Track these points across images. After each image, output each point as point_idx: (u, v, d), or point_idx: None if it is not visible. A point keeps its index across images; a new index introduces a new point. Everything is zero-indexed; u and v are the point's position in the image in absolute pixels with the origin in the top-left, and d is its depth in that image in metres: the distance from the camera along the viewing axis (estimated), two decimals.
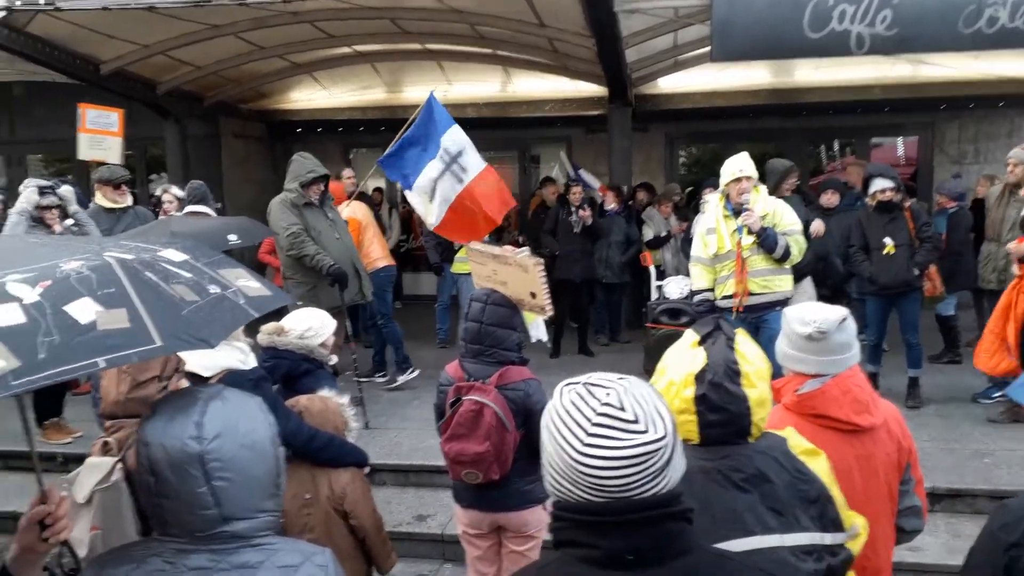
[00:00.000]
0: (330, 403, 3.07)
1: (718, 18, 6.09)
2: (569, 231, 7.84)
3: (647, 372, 6.99)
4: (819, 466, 1.78)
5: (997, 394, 6.24)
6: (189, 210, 5.78)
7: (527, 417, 3.02)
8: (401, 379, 7.09)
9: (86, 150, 7.77)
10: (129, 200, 6.10)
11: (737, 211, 5.20)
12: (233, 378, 2.66)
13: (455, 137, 6.01)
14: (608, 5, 6.49)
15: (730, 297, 5.30)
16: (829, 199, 7.10)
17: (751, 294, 5.23)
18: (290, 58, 9.78)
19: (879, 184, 6.10)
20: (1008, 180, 6.05)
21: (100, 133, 7.75)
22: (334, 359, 3.51)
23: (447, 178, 5.86)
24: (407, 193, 6.14)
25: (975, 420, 5.80)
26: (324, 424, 2.99)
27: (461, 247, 7.05)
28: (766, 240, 5.13)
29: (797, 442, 1.83)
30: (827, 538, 1.67)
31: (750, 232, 5.16)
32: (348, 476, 3.00)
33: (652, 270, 7.88)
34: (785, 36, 6.03)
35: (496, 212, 5.87)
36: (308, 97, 11.49)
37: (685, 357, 1.72)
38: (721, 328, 1.74)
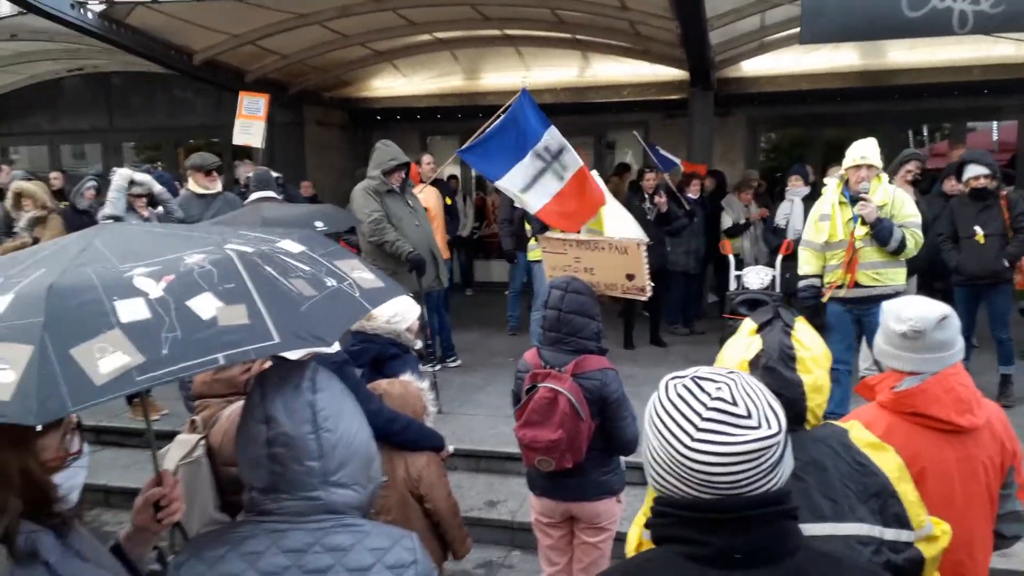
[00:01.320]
0: (410, 387, 3.10)
1: None
2: (643, 219, 7.69)
3: None
4: (886, 461, 1.71)
5: None
6: (256, 196, 5.92)
7: (603, 407, 2.99)
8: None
9: (238, 135, 8.12)
10: (219, 186, 6.30)
11: (854, 199, 4.96)
12: (317, 361, 2.73)
13: (555, 137, 6.03)
14: None
15: (840, 287, 5.11)
16: (953, 186, 6.69)
17: (859, 285, 5.03)
18: (372, 46, 9.93)
19: (973, 171, 5.79)
20: None
21: (250, 119, 8.07)
22: (419, 344, 3.55)
23: (549, 176, 5.88)
24: (497, 183, 6.16)
25: None
26: (403, 407, 3.02)
27: (533, 236, 7.04)
28: (880, 232, 4.88)
29: (860, 434, 1.77)
30: (888, 533, 1.61)
31: (864, 223, 4.94)
32: (424, 460, 3.02)
33: (731, 259, 7.67)
34: (881, 15, 5.72)
35: (590, 209, 5.88)
36: (388, 85, 11.67)
37: (741, 345, 1.71)
38: (780, 315, 1.72)
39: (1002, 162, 7.61)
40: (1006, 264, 5.64)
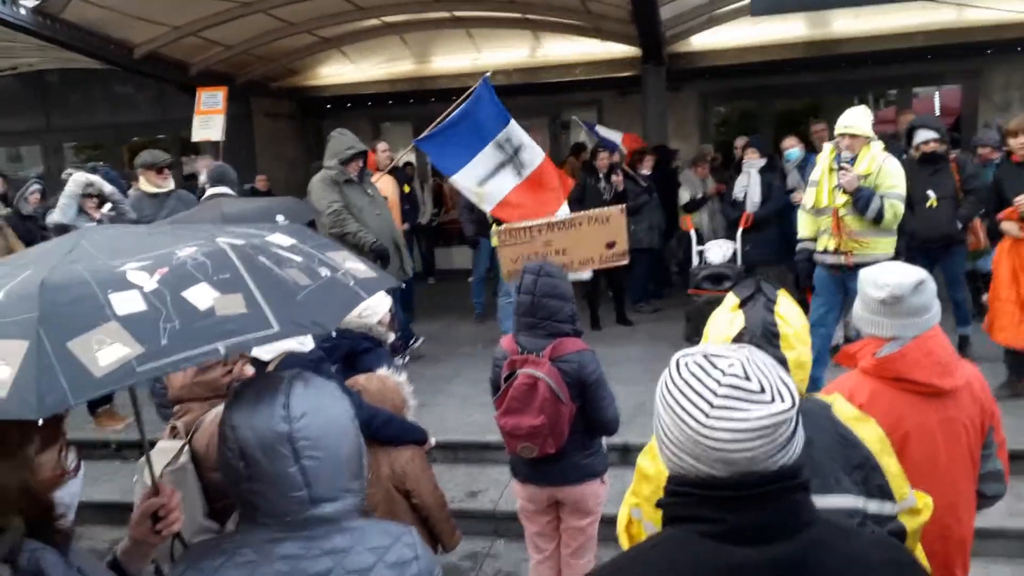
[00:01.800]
0: (388, 382, 3.06)
1: None
2: (599, 199, 7.67)
3: (688, 340, 6.91)
4: (868, 432, 1.72)
5: None
6: (211, 192, 5.78)
7: (582, 389, 2.99)
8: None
9: (198, 131, 7.91)
10: (171, 184, 6.10)
11: (841, 167, 5.07)
12: (292, 360, 2.67)
13: (515, 132, 6.04)
14: None
15: (827, 252, 5.22)
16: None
17: (842, 252, 5.13)
18: (318, 33, 9.74)
19: (923, 135, 5.87)
20: None
21: (209, 113, 7.87)
22: (392, 337, 3.50)
23: (508, 170, 5.91)
24: (451, 178, 6.12)
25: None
26: (383, 403, 2.98)
27: (495, 221, 7.01)
28: (858, 201, 4.96)
29: (843, 407, 1.78)
30: (871, 505, 1.63)
31: (844, 191, 5.02)
32: (408, 454, 2.99)
33: (692, 234, 7.73)
34: None
35: (552, 204, 5.86)
36: (336, 72, 11.46)
37: (723, 322, 1.70)
38: (762, 290, 1.71)
39: (946, 126, 7.77)
40: (959, 226, 5.73)
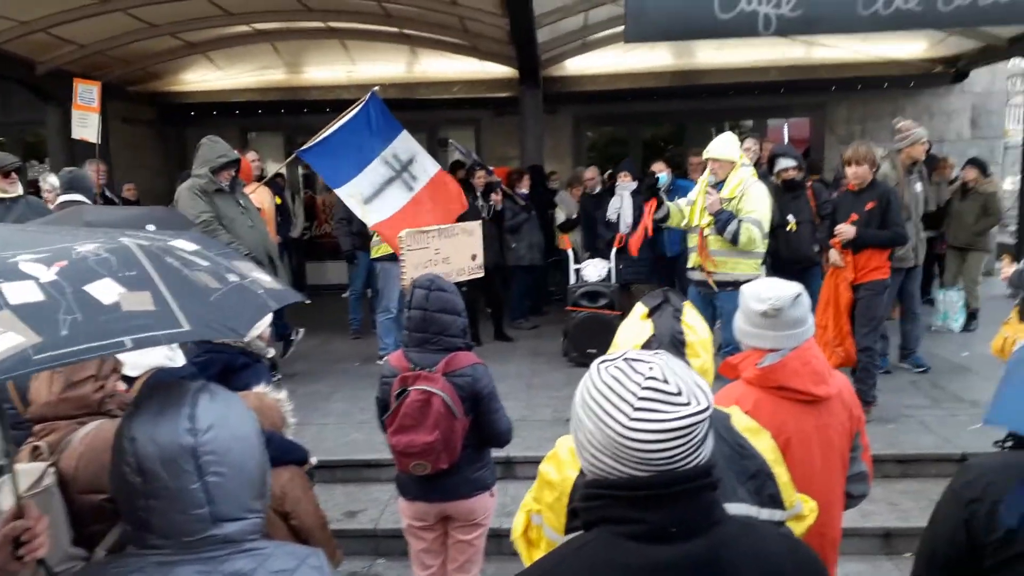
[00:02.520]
0: (266, 399, 2.91)
1: None
2: (477, 217, 7.71)
3: (566, 355, 7.05)
4: (762, 444, 1.81)
5: (886, 365, 6.61)
6: (62, 199, 5.34)
7: (475, 402, 2.96)
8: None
9: (77, 128, 7.23)
10: (20, 189, 5.56)
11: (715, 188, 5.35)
12: (162, 376, 2.48)
13: (406, 144, 5.99)
14: None
15: (694, 269, 5.50)
16: None
17: (705, 270, 5.39)
18: (183, 37, 9.26)
19: (782, 163, 6.33)
20: (917, 158, 6.29)
21: (85, 109, 7.16)
22: (271, 352, 3.34)
23: (397, 186, 5.84)
24: (337, 191, 5.95)
25: (877, 389, 6.11)
26: (261, 421, 2.83)
27: (375, 234, 6.90)
28: (716, 222, 5.23)
29: (740, 419, 1.86)
30: (763, 513, 1.71)
31: (708, 212, 5.28)
32: (287, 475, 2.86)
33: (570, 253, 7.91)
34: (696, 16, 6.12)
35: (446, 215, 5.84)
36: (202, 78, 10.94)
37: (633, 330, 1.75)
38: (669, 300, 1.77)
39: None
40: (816, 249, 6.09)
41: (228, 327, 1.34)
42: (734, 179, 5.30)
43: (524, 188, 8.58)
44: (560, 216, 9.27)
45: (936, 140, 11.04)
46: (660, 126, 12.11)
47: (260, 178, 7.49)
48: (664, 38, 7.17)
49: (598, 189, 8.54)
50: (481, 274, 4.71)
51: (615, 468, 1.18)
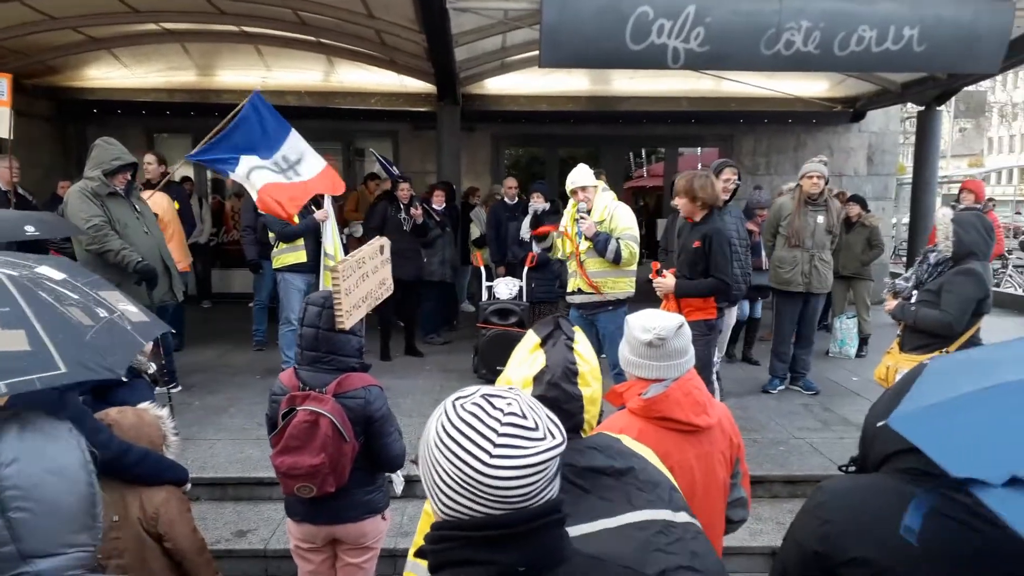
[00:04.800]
0: (145, 416, 2.78)
1: (547, 24, 6.21)
2: (399, 229, 7.68)
3: (475, 372, 7.04)
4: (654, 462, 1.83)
5: (780, 387, 6.92)
6: None
7: (367, 425, 2.90)
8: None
9: None
10: None
11: (582, 216, 5.57)
12: (34, 391, 2.34)
13: (295, 145, 6.08)
14: (440, 1, 6.43)
15: (575, 293, 5.70)
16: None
17: (586, 292, 5.61)
18: (86, 31, 8.85)
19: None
20: (811, 192, 6.61)
21: None
22: (152, 367, 3.20)
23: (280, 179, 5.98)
24: (231, 174, 5.98)
25: (770, 411, 6.35)
26: (138, 438, 2.70)
27: (279, 242, 6.76)
28: (596, 244, 5.46)
29: (629, 442, 1.87)
30: (679, 516, 1.70)
31: (586, 237, 5.51)
32: (163, 495, 2.73)
33: (483, 270, 7.93)
34: (609, 46, 6.26)
35: (321, 188, 6.13)
36: (106, 75, 10.47)
37: (526, 361, 1.73)
38: (561, 328, 1.77)
39: None
40: None
41: (104, 367, 1.29)
42: (599, 203, 5.60)
43: (437, 203, 8.57)
44: (475, 232, 9.29)
45: (835, 175, 11.64)
46: (577, 148, 12.32)
47: (164, 185, 7.23)
48: (577, 65, 7.31)
49: (515, 200, 8.60)
50: (388, 294, 4.70)
51: (469, 508, 1.16)
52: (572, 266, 5.74)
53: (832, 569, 1.54)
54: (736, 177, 6.05)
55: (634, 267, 5.62)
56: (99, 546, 1.33)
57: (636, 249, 5.56)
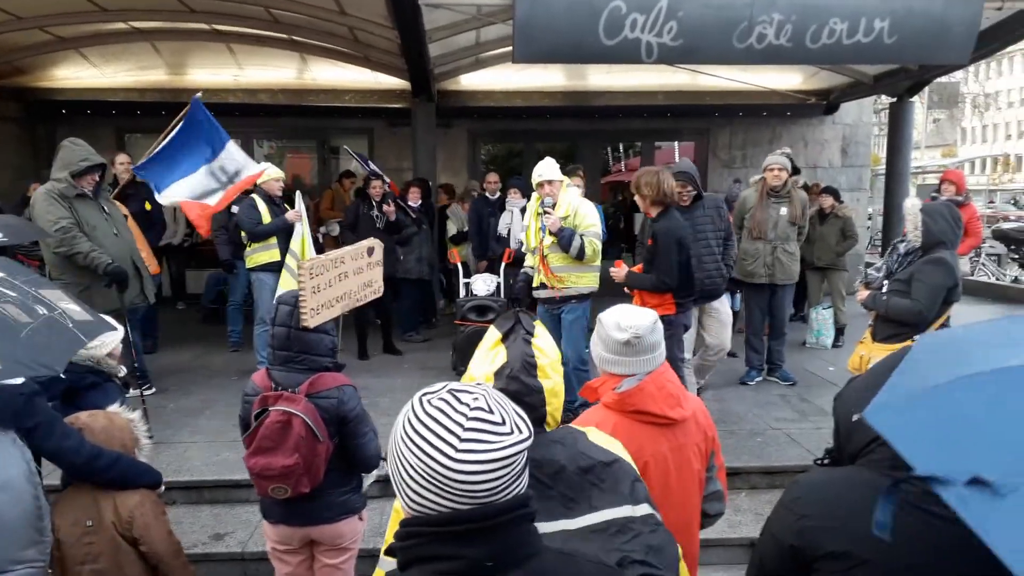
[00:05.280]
0: (116, 419, 2.76)
1: (520, 19, 6.19)
2: (372, 226, 7.62)
3: (454, 369, 7.02)
4: (622, 455, 1.83)
5: (758, 378, 6.97)
6: None
7: (341, 425, 2.87)
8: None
9: None
10: None
11: (546, 211, 5.53)
12: (0, 394, 2.30)
13: (233, 156, 6.14)
14: None
15: (539, 288, 5.69)
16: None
17: (549, 287, 5.60)
18: (53, 31, 8.70)
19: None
20: (773, 184, 6.67)
21: None
22: (123, 371, 3.15)
23: (217, 195, 6.08)
24: (157, 196, 6.11)
25: (747, 403, 6.39)
26: (109, 442, 2.68)
27: (249, 244, 6.72)
28: (562, 240, 5.44)
29: (596, 435, 1.88)
30: (639, 510, 1.70)
31: (550, 232, 5.47)
32: (137, 498, 2.72)
33: (459, 267, 7.91)
34: (582, 41, 6.26)
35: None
36: (75, 75, 10.31)
37: (487, 357, 1.74)
38: (521, 322, 1.78)
39: None
40: None
41: (41, 364, 1.27)
42: (564, 200, 5.58)
43: (413, 200, 8.53)
44: (452, 229, 9.26)
45: (810, 167, 11.73)
46: (553, 144, 12.31)
47: (132, 183, 7.15)
48: (551, 60, 7.29)
49: (496, 195, 8.59)
50: (376, 296, 4.65)
51: (436, 503, 1.16)
52: (534, 260, 5.72)
53: (809, 563, 1.54)
54: (690, 188, 5.90)
55: (598, 263, 5.62)
56: (47, 561, 1.30)
57: (599, 246, 5.58)
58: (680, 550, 1.81)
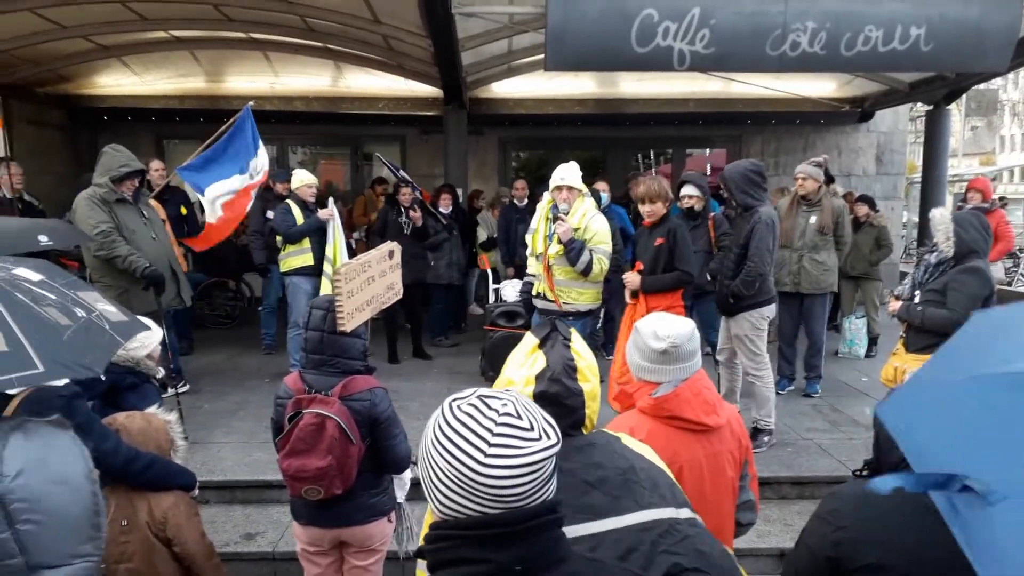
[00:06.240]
0: (153, 421, 2.81)
1: (552, 27, 6.22)
2: (399, 232, 7.69)
3: (483, 374, 7.05)
4: (655, 459, 1.84)
5: (789, 387, 6.89)
6: None
7: (372, 427, 2.91)
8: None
9: None
10: None
11: (556, 217, 5.16)
12: (41, 395, 2.37)
13: (263, 160, 6.51)
14: (445, 6, 6.46)
15: (539, 297, 5.38)
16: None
17: (548, 299, 5.30)
18: (96, 40, 8.91)
19: (685, 191, 6.54)
20: (798, 192, 6.62)
21: None
22: (161, 372, 3.22)
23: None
24: (200, 197, 6.43)
25: (778, 412, 6.24)
26: (146, 443, 2.73)
27: (286, 244, 6.83)
28: (569, 252, 5.07)
29: (629, 440, 1.89)
30: (683, 513, 1.70)
31: (559, 241, 5.13)
32: (171, 499, 2.77)
33: (489, 272, 7.94)
34: (614, 49, 6.26)
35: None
36: (117, 83, 10.56)
37: (526, 362, 1.76)
38: (557, 329, 1.81)
39: (714, 185, 8.65)
40: (708, 278, 6.20)
41: (83, 365, 1.30)
42: (579, 209, 5.21)
43: (444, 206, 8.59)
44: (482, 235, 9.31)
45: (844, 175, 11.60)
46: (584, 152, 12.32)
47: (168, 187, 7.31)
48: (583, 68, 7.29)
49: (525, 202, 8.62)
50: (397, 298, 4.72)
51: (466, 507, 1.18)
52: (537, 268, 5.36)
53: (845, 575, 1.54)
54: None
55: (601, 281, 5.29)
56: (102, 556, 1.34)
57: (607, 265, 5.18)
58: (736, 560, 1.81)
